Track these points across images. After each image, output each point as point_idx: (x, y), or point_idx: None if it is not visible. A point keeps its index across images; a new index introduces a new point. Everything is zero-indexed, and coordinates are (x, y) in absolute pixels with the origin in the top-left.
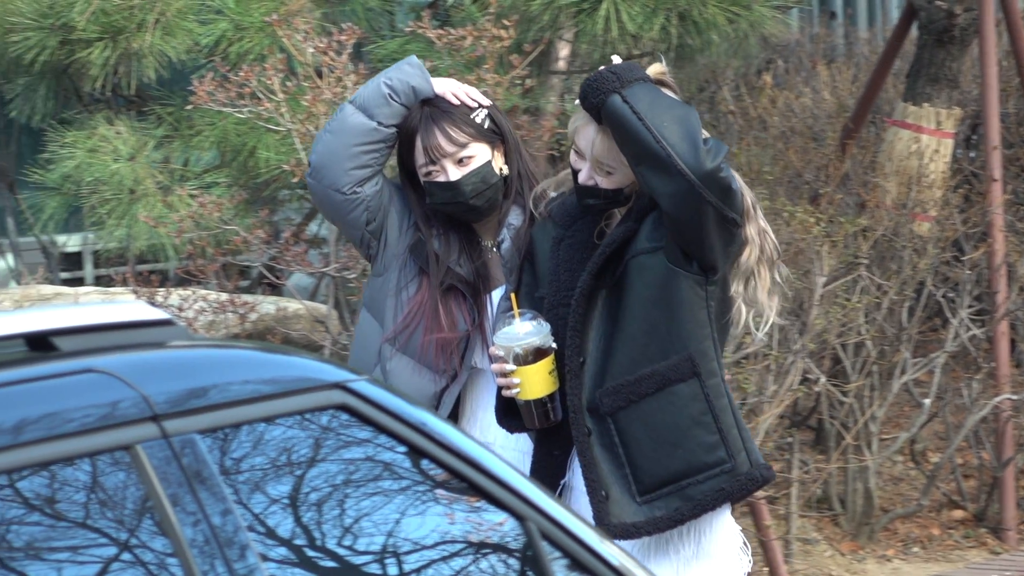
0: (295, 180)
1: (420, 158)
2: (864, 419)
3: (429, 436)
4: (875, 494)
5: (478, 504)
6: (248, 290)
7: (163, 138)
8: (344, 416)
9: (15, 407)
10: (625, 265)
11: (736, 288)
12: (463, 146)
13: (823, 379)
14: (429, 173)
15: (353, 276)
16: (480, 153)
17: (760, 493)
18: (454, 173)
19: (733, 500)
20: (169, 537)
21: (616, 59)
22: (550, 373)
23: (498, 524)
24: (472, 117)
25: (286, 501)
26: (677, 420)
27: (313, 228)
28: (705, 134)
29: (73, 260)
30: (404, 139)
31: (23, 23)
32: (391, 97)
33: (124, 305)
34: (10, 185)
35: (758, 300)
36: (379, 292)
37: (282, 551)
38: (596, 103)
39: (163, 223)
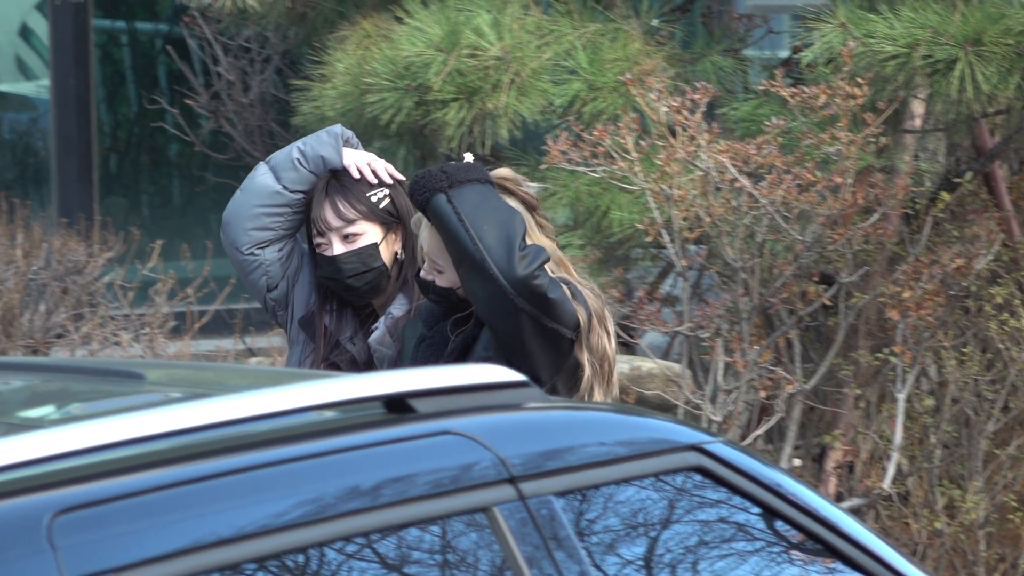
0: (648, 239)
1: (312, 228)
2: None
3: (784, 497)
4: None
5: (833, 565)
6: None
7: None
8: (698, 477)
9: (374, 469)
10: None
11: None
12: (350, 222)
13: None
14: (318, 245)
15: (707, 335)
16: (369, 233)
17: None
18: (337, 248)
19: None
20: None
21: (468, 156)
22: None
23: None
24: (368, 195)
25: (640, 563)
26: None
27: (667, 286)
28: (531, 240)
29: None
30: (307, 208)
31: (380, 84)
32: (299, 162)
33: (480, 367)
34: None
35: None
36: (289, 366)
37: None
38: (421, 201)
39: None
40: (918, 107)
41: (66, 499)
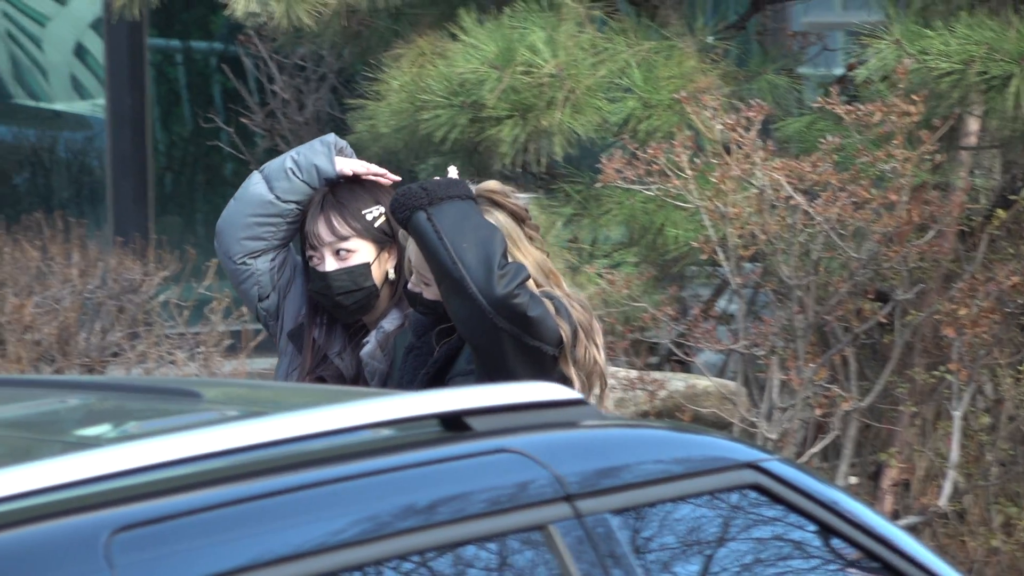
0: (703, 257)
1: (306, 241)
2: None
3: (841, 515)
4: None
5: None
6: (657, 367)
7: (572, 216)
8: (753, 495)
9: (431, 487)
10: (445, 385)
11: None
12: (343, 239)
13: None
14: (311, 258)
15: (762, 353)
16: (362, 251)
17: None
18: (329, 264)
19: None
20: None
21: (452, 171)
22: None
23: None
24: (364, 213)
25: None
26: None
27: (722, 304)
28: (520, 253)
29: None
30: (302, 220)
31: (434, 101)
32: (292, 172)
33: (536, 385)
34: None
35: None
36: (277, 378)
37: None
38: (402, 218)
39: None
40: (973, 124)
41: (124, 517)
